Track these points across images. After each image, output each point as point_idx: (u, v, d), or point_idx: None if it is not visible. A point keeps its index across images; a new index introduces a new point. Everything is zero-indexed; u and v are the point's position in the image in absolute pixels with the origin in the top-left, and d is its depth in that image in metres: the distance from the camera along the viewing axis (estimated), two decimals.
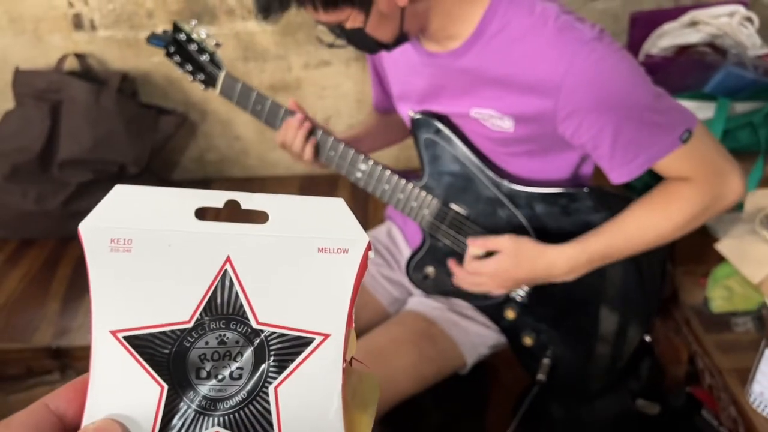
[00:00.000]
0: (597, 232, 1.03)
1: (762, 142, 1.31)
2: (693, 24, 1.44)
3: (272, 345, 0.34)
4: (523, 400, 1.23)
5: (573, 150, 1.07)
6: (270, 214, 0.34)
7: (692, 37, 1.42)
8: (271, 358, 0.34)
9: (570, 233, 1.06)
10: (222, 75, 1.12)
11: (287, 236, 0.34)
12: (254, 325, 0.34)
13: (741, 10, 1.41)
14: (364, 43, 0.97)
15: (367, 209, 1.73)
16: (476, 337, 1.19)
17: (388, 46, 0.98)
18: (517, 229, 1.10)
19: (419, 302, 1.22)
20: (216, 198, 0.35)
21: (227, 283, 0.34)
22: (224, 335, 0.33)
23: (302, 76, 1.77)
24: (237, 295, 0.34)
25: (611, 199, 1.07)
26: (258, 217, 0.35)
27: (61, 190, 1.62)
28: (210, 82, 1.14)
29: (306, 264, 0.34)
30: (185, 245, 0.33)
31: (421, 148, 1.12)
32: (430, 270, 1.19)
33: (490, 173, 1.09)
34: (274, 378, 0.33)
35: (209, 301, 0.33)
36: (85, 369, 0.33)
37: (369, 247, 0.34)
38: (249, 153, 1.90)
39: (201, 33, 1.12)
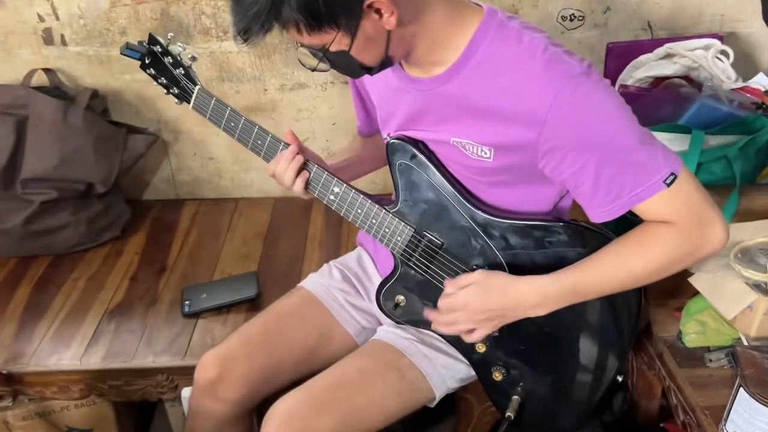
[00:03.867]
0: (571, 267, 1.01)
1: (736, 176, 1.30)
2: (669, 56, 1.44)
3: None
4: None
5: (552, 184, 1.05)
6: None
7: (668, 68, 1.42)
8: None
9: (544, 267, 1.03)
10: (196, 89, 1.10)
11: None
12: None
13: (717, 43, 1.42)
14: (348, 67, 0.94)
15: (341, 234, 1.70)
16: (446, 370, 1.16)
17: (372, 70, 0.96)
18: (490, 260, 1.08)
19: (388, 332, 1.19)
20: None
21: None
22: None
23: (278, 97, 1.75)
24: None
25: (587, 235, 1.05)
26: None
27: (24, 208, 1.57)
28: (184, 96, 1.12)
29: None
30: None
31: (396, 174, 1.09)
32: (400, 298, 1.16)
33: (466, 202, 1.06)
34: None
35: None
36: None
37: None
38: (222, 174, 1.87)
39: (177, 47, 1.09)
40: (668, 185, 0.92)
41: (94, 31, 1.65)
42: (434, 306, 1.10)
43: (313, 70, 0.95)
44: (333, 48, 0.89)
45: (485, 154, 0.99)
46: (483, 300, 1.02)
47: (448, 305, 1.05)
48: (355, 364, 1.13)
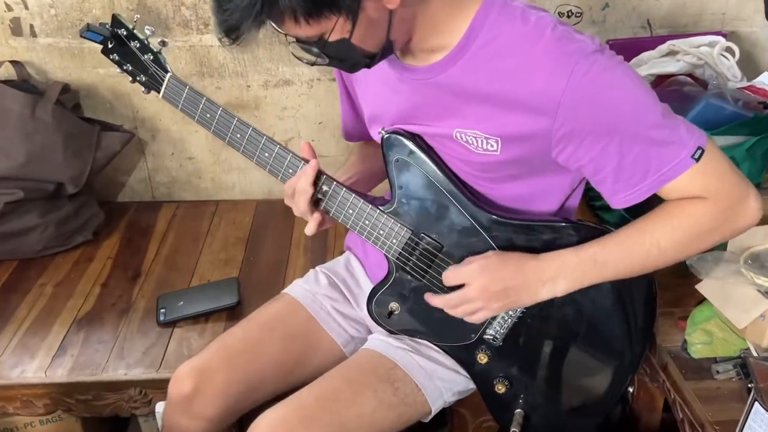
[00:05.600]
0: (592, 241, 0.96)
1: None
2: (672, 53, 1.41)
3: None
4: None
5: (564, 174, 0.99)
6: None
7: (671, 66, 1.39)
8: None
9: None
10: (167, 77, 1.04)
11: None
12: None
13: (722, 40, 1.37)
14: (349, 57, 0.88)
15: (327, 238, 1.63)
16: (443, 383, 1.09)
17: (374, 58, 0.89)
18: None
19: (381, 341, 1.12)
20: None
21: None
22: None
23: (261, 94, 1.68)
24: None
25: (597, 235, 0.98)
26: None
27: None
28: (152, 84, 1.06)
29: None
30: None
31: (391, 170, 1.02)
32: (394, 306, 1.09)
33: (468, 201, 1.00)
34: None
35: None
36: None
37: None
38: (202, 175, 1.79)
39: (145, 30, 1.03)
40: (696, 160, 0.87)
41: (65, 21, 1.57)
42: (431, 313, 1.03)
43: (312, 64, 0.88)
44: (333, 37, 0.82)
45: (491, 146, 0.92)
46: (496, 272, 0.96)
47: (457, 276, 0.98)
48: (346, 375, 1.06)
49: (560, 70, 0.84)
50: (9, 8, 1.55)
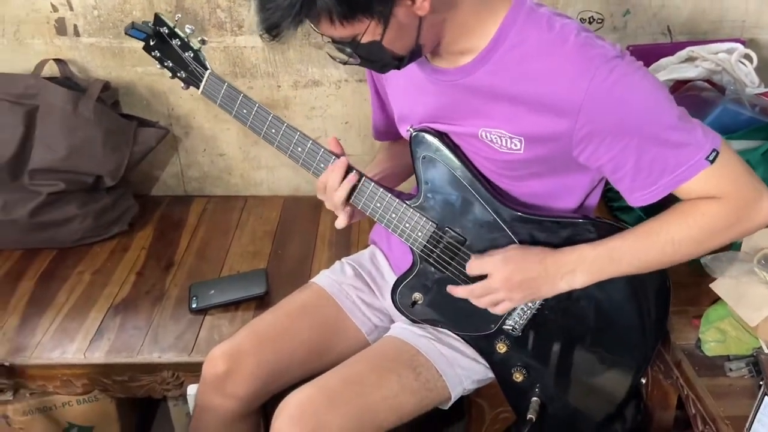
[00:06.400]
0: (610, 237, 1.00)
1: None
2: (691, 59, 1.42)
3: None
4: None
5: (585, 172, 1.03)
6: None
7: (690, 72, 1.40)
8: None
9: None
10: (207, 74, 1.07)
11: None
12: None
13: (740, 47, 1.39)
14: (379, 59, 0.92)
15: (351, 233, 1.67)
16: (463, 371, 1.12)
17: (403, 60, 0.93)
18: None
19: (404, 329, 1.16)
20: None
21: None
22: None
23: (291, 95, 1.73)
24: None
25: (615, 233, 1.02)
26: None
27: (30, 199, 1.54)
28: (192, 80, 1.09)
29: None
30: None
31: (419, 166, 1.06)
32: (418, 296, 1.13)
33: (492, 197, 1.04)
34: None
35: None
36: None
37: None
38: (232, 171, 1.84)
39: (186, 28, 1.07)
40: (711, 162, 0.91)
41: (107, 22, 1.63)
42: (453, 303, 1.07)
43: (344, 63, 0.93)
44: (365, 39, 0.87)
45: (515, 146, 0.97)
46: (518, 264, 1.00)
47: (481, 266, 1.02)
48: (370, 360, 1.10)
49: (582, 74, 0.88)
50: (55, 9, 1.61)
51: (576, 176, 1.04)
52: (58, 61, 1.64)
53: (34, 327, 1.38)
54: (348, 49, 0.90)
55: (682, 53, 1.44)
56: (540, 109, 0.92)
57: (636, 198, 0.96)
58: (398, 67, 0.95)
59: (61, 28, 1.64)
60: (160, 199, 1.83)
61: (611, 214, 1.50)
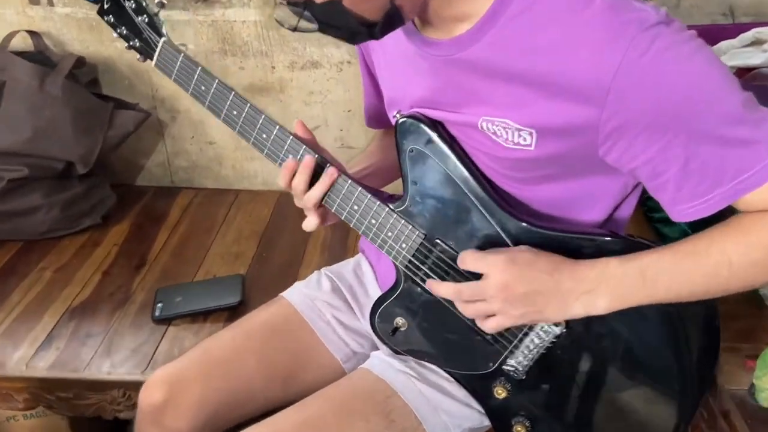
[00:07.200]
0: (644, 250, 0.79)
1: None
2: (757, 42, 1.22)
3: None
4: None
5: (612, 177, 0.82)
6: None
7: (755, 58, 1.21)
8: None
9: None
10: (161, 42, 0.93)
11: None
12: None
13: None
14: (343, 24, 0.73)
15: (348, 237, 1.50)
16: (449, 418, 0.92)
17: (375, 28, 0.74)
18: None
19: (382, 361, 0.96)
20: None
21: None
22: None
23: (287, 77, 1.56)
24: None
25: None
26: None
27: None
28: (146, 50, 0.96)
29: None
30: None
31: (405, 162, 0.87)
32: (400, 322, 0.93)
33: (494, 204, 0.84)
34: None
35: None
36: None
37: None
38: (223, 161, 1.69)
39: None
40: None
41: None
42: (443, 333, 0.88)
43: (294, 29, 0.74)
44: None
45: (524, 140, 0.76)
46: (525, 269, 0.78)
47: (477, 260, 0.81)
48: (334, 399, 0.91)
49: (612, 46, 0.67)
50: None
51: (602, 181, 0.82)
52: (31, 33, 1.51)
53: None
54: (302, 6, 0.71)
55: (747, 35, 1.24)
56: (555, 93, 0.72)
57: (680, 211, 0.75)
58: (373, 37, 0.76)
59: None
60: (144, 190, 1.70)
61: (651, 227, 1.29)
